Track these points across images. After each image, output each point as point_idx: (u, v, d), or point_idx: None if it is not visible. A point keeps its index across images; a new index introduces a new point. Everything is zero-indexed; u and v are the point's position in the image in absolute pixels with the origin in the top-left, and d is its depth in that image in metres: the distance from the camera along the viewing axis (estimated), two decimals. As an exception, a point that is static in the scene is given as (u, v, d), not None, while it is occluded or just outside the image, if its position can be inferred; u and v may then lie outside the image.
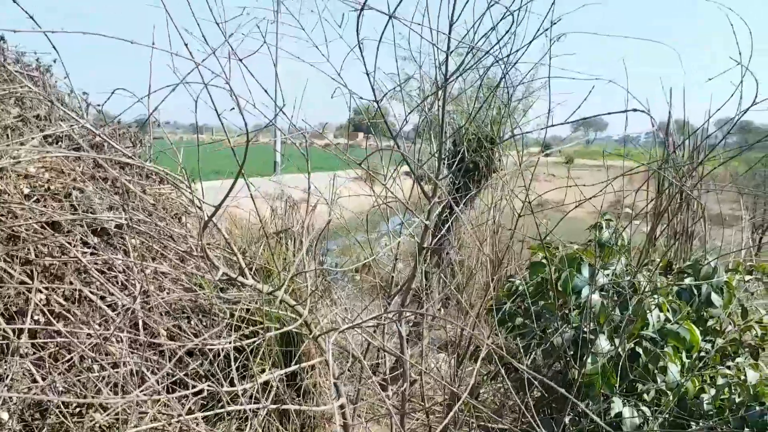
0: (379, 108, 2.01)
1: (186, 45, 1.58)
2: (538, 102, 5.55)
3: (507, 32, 1.87)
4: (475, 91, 3.65)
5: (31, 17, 1.51)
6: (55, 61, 4.78)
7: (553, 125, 2.12)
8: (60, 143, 4.36)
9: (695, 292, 3.07)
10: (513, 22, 1.89)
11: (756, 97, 1.82)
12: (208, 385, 2.23)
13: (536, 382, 2.60)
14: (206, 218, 1.81)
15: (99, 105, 4.99)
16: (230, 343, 2.23)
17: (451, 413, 2.40)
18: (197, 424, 3.57)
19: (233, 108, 1.59)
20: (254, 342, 2.26)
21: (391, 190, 2.33)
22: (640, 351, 2.76)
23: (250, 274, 4.28)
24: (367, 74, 1.89)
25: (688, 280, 3.19)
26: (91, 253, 3.92)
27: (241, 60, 1.73)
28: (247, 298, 3.03)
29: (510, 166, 5.31)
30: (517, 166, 4.51)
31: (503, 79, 2.08)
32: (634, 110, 1.96)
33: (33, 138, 4.22)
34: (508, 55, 1.92)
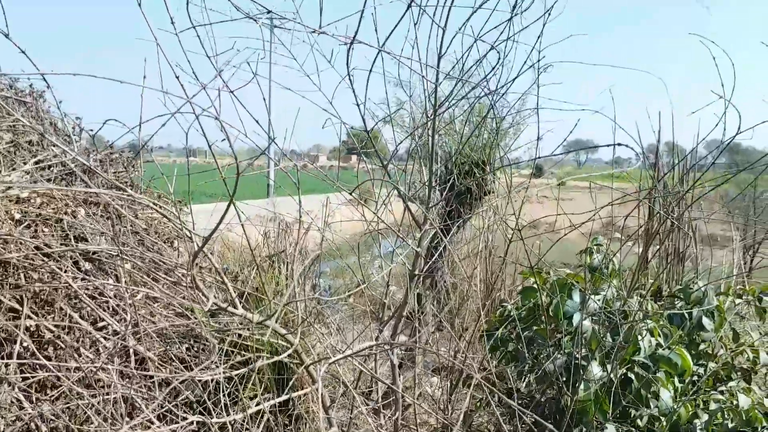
0: (369, 138, 2.03)
1: (177, 78, 1.60)
2: (529, 126, 5.61)
3: (494, 68, 1.90)
4: (466, 115, 3.69)
5: (23, 52, 1.52)
6: (48, 87, 4.80)
7: (540, 157, 2.14)
8: (52, 169, 4.36)
9: (686, 316, 3.08)
10: (499, 59, 1.92)
11: (739, 127, 1.86)
12: (199, 414, 2.20)
13: (529, 410, 2.59)
14: (197, 248, 1.81)
15: (92, 130, 5.01)
16: (221, 374, 2.21)
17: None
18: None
19: (224, 139, 1.60)
20: (245, 371, 2.24)
21: (382, 219, 2.34)
22: (633, 377, 2.75)
23: (242, 300, 4.27)
24: (358, 105, 1.92)
25: (679, 304, 3.20)
26: (82, 279, 3.90)
27: (232, 92, 1.75)
28: (239, 324, 3.01)
29: (502, 189, 5.34)
30: (509, 189, 4.54)
31: (491, 109, 2.11)
32: (619, 144, 1.99)
33: (25, 164, 4.22)
34: (495, 89, 1.95)
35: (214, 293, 4.53)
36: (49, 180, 4.42)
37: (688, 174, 5.05)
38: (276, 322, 3.18)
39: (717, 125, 1.94)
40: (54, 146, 4.29)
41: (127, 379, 3.85)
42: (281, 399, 2.32)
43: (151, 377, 3.98)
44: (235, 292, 4.48)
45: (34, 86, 4.80)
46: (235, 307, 1.81)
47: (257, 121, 1.84)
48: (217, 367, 3.21)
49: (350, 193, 2.17)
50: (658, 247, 5.37)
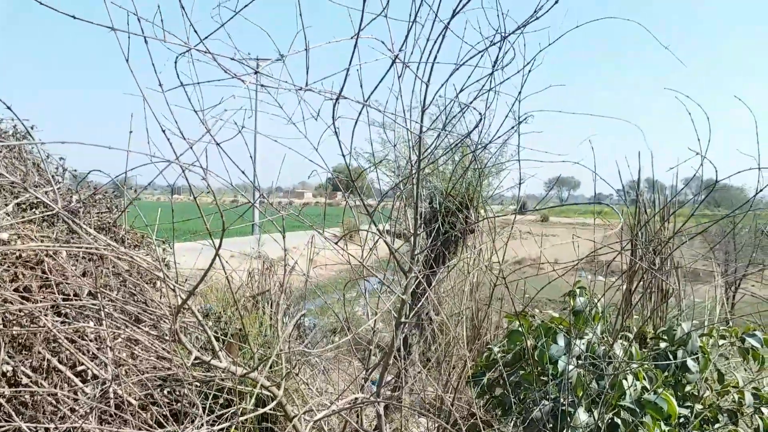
0: (354, 187, 2.05)
1: (164, 131, 1.61)
2: (512, 171, 5.69)
3: (477, 125, 1.94)
4: (451, 156, 3.74)
5: (9, 108, 1.53)
6: (33, 128, 4.80)
7: (523, 212, 2.17)
8: (35, 210, 4.32)
9: (671, 358, 3.09)
10: (481, 117, 1.97)
11: (716, 183, 1.91)
12: None
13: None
14: (180, 301, 1.79)
15: (75, 170, 4.99)
16: (203, 425, 2.16)
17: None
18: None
19: (209, 192, 1.61)
20: (228, 425, 2.19)
21: (367, 266, 2.34)
22: (619, 422, 2.74)
23: (224, 345, 4.21)
24: (343, 156, 1.94)
25: (663, 345, 3.21)
26: (62, 322, 3.83)
27: (219, 144, 1.76)
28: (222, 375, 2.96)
29: (486, 227, 5.38)
30: (494, 228, 4.58)
31: (474, 161, 2.15)
32: (599, 202, 2.03)
33: (7, 205, 4.18)
34: (477, 145, 1.99)
35: (197, 335, 4.46)
36: (31, 222, 4.37)
37: (668, 213, 5.14)
38: (260, 370, 3.14)
39: (695, 175, 1.99)
40: (36, 187, 4.26)
41: (107, 425, 3.76)
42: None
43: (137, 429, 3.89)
44: (219, 333, 4.43)
45: (18, 127, 4.79)
46: (218, 359, 1.79)
47: (243, 172, 1.85)
48: (201, 417, 3.14)
49: (336, 243, 2.18)
50: (640, 282, 5.40)
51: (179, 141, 1.71)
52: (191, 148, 1.60)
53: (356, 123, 1.87)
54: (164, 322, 3.21)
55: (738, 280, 6.74)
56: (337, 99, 1.79)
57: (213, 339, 1.87)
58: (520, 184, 2.66)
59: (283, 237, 2.34)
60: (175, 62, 1.52)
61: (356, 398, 2.26)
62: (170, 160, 1.60)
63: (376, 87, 1.84)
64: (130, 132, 1.67)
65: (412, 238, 2.14)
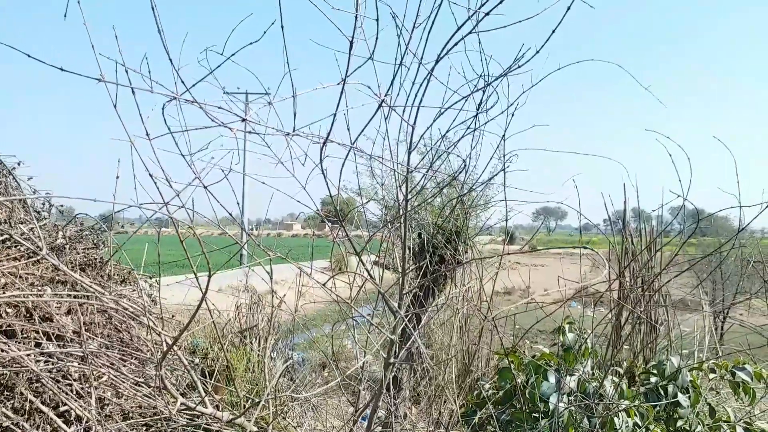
0: (342, 225, 2.05)
1: (151, 176, 1.61)
2: (499, 207, 5.75)
3: (460, 170, 1.97)
4: (438, 194, 3.76)
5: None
6: (19, 164, 4.78)
7: (511, 244, 2.18)
8: (19, 247, 4.27)
9: (662, 393, 3.08)
10: (465, 164, 2.00)
11: (698, 222, 1.94)
12: None
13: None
14: (166, 347, 1.76)
15: (62, 206, 4.96)
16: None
17: None
18: None
19: (193, 233, 1.61)
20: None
21: (354, 308, 2.33)
22: (612, 460, 2.72)
23: (212, 378, 4.15)
24: (331, 197, 1.95)
25: (653, 380, 3.20)
26: (46, 361, 3.76)
27: (206, 187, 1.77)
28: (209, 419, 2.90)
29: (475, 257, 5.38)
30: (481, 264, 4.58)
31: (460, 201, 2.17)
32: (583, 246, 2.05)
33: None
34: (462, 186, 2.01)
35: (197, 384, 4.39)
36: (15, 259, 4.32)
37: (655, 245, 5.19)
38: (245, 404, 3.08)
39: (676, 216, 2.02)
40: (22, 224, 4.23)
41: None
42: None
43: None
44: (206, 370, 4.36)
45: (4, 162, 4.77)
46: (205, 405, 1.75)
47: (230, 213, 1.85)
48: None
49: (323, 285, 2.17)
50: (629, 315, 5.41)
51: (168, 184, 1.71)
52: (178, 195, 1.60)
53: (343, 164, 1.89)
54: (150, 364, 3.16)
55: (726, 310, 6.76)
56: (324, 143, 1.80)
57: (200, 384, 1.84)
58: (507, 219, 2.69)
59: (270, 277, 2.33)
60: (162, 110, 1.53)
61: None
62: (156, 207, 1.60)
63: (362, 130, 1.86)
64: (117, 177, 1.67)
65: (400, 277, 2.14)
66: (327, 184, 1.93)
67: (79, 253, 4.62)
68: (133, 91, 1.47)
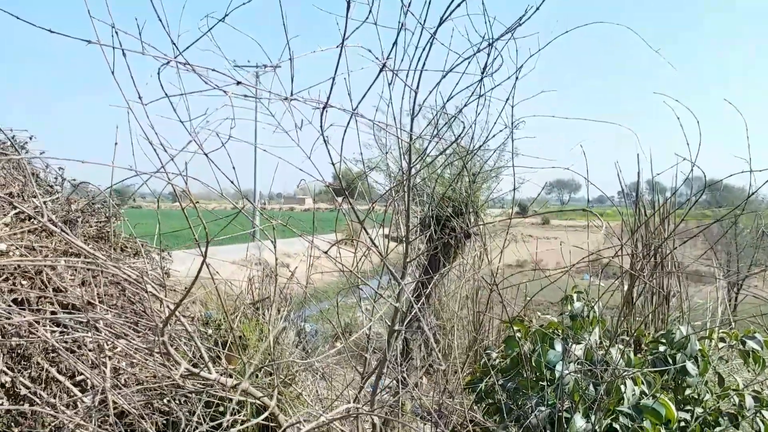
0: (346, 195, 2.04)
1: (150, 143, 1.61)
2: (508, 176, 5.69)
3: (461, 135, 1.94)
4: (445, 161, 3.73)
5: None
6: (31, 138, 4.82)
7: (521, 215, 2.16)
8: (33, 220, 4.32)
9: (670, 361, 3.07)
10: (464, 125, 1.96)
11: (705, 185, 1.90)
12: None
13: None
14: (168, 313, 1.78)
15: (74, 179, 5.00)
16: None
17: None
18: None
19: (198, 201, 1.61)
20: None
21: (359, 276, 2.34)
22: (618, 427, 2.72)
23: (225, 348, 4.20)
24: (333, 164, 1.94)
25: (662, 349, 3.19)
26: (60, 332, 3.83)
27: (207, 155, 1.76)
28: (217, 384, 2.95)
29: (486, 231, 5.36)
30: (493, 231, 4.56)
31: (464, 168, 2.15)
32: (584, 209, 2.02)
33: (5, 215, 4.19)
34: (467, 152, 1.98)
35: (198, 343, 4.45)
36: (30, 231, 4.38)
37: (669, 216, 5.12)
38: (258, 375, 3.13)
39: (685, 180, 1.98)
40: (34, 198, 4.27)
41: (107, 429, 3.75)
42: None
43: (132, 431, 3.89)
44: (219, 341, 4.42)
45: (17, 137, 4.81)
46: (209, 371, 1.78)
47: (232, 182, 1.85)
48: (200, 421, 3.13)
49: (325, 253, 2.17)
50: (642, 287, 5.38)
51: (170, 149, 1.70)
52: (173, 159, 1.60)
53: (345, 132, 1.87)
54: (158, 335, 3.20)
55: (740, 281, 6.70)
56: (324, 108, 1.79)
57: (203, 350, 1.86)
58: (515, 189, 2.66)
59: (274, 245, 2.34)
60: (159, 74, 1.52)
61: (348, 409, 2.25)
62: (156, 174, 1.60)
63: (364, 95, 1.84)
64: (116, 144, 1.67)
65: (404, 246, 2.14)
66: (329, 151, 1.92)
67: (91, 226, 4.67)
68: (123, 53, 1.46)
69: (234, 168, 1.81)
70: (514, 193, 2.55)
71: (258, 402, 2.25)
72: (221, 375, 1.84)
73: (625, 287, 4.39)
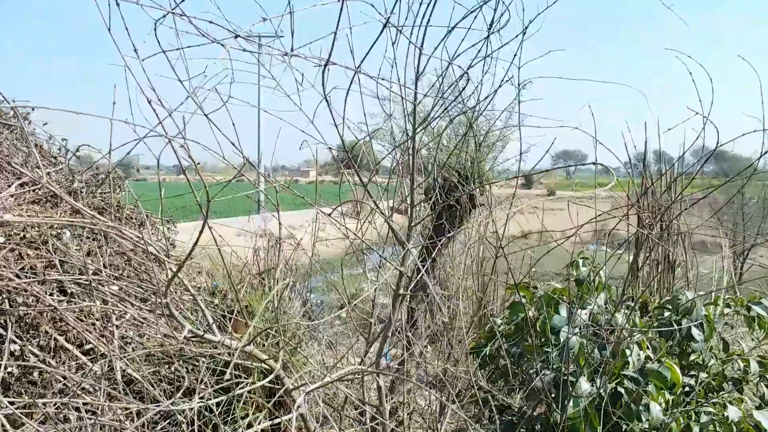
0: (350, 158, 2.02)
1: (149, 101, 1.58)
2: (514, 141, 5.64)
3: (464, 88, 1.89)
4: (449, 126, 3.69)
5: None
6: (33, 109, 4.79)
7: (526, 177, 2.13)
8: (36, 191, 4.32)
9: (675, 327, 3.07)
10: (469, 80, 1.92)
11: (718, 141, 1.86)
12: None
13: (519, 427, 2.57)
14: (170, 274, 1.78)
15: (77, 151, 4.98)
16: (211, 398, 2.17)
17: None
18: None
19: (199, 163, 1.59)
20: (232, 396, 2.20)
21: (363, 239, 2.32)
22: (622, 391, 2.73)
23: (233, 317, 4.23)
24: (335, 125, 1.91)
25: (667, 314, 3.19)
26: (68, 301, 3.86)
27: (207, 115, 1.73)
28: (221, 347, 2.97)
29: (493, 202, 5.34)
30: (499, 202, 4.53)
31: (470, 128, 2.11)
32: (594, 163, 1.99)
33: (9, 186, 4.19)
34: (475, 107, 1.95)
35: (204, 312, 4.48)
36: (34, 202, 4.38)
37: (675, 182, 5.07)
38: (263, 342, 3.14)
39: (698, 138, 1.94)
40: (38, 168, 4.26)
41: (116, 401, 3.80)
42: (265, 425, 2.29)
43: (141, 398, 3.94)
44: (226, 311, 4.45)
45: (19, 108, 4.77)
46: (213, 333, 1.78)
47: (233, 144, 1.82)
48: (206, 388, 3.16)
49: (328, 215, 2.16)
50: (648, 255, 5.37)
51: (161, 103, 1.67)
52: (170, 115, 1.57)
53: (348, 90, 1.83)
54: (161, 297, 3.21)
55: (746, 251, 6.68)
56: (325, 65, 1.75)
57: (207, 312, 1.87)
58: (521, 154, 2.63)
59: (277, 211, 2.32)
60: (155, 29, 1.48)
61: (353, 370, 2.26)
62: (152, 128, 1.57)
63: (368, 52, 1.79)
64: (114, 103, 1.64)
65: (408, 209, 2.12)
66: (331, 112, 1.88)
67: (95, 197, 4.67)
68: (117, 3, 1.42)
69: (234, 125, 1.78)
70: (521, 160, 2.52)
71: (263, 366, 2.27)
72: (225, 338, 1.84)
73: (631, 256, 4.38)
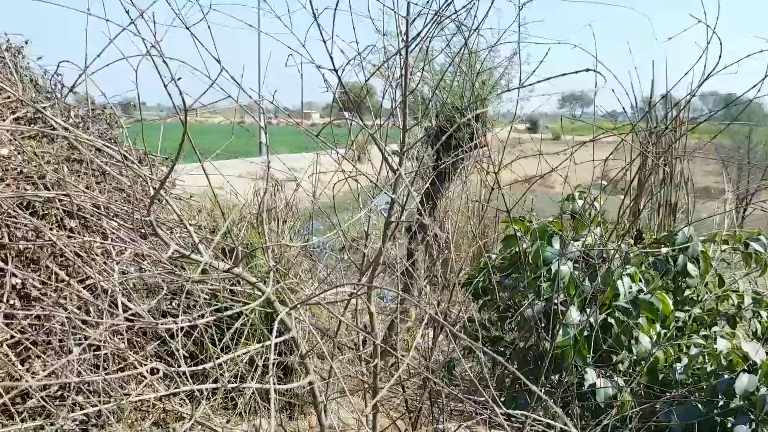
0: (340, 81, 1.96)
1: (128, 12, 1.53)
2: (518, 78, 5.50)
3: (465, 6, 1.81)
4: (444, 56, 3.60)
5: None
6: (27, 42, 4.69)
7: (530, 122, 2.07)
8: (33, 125, 4.29)
9: (671, 261, 3.07)
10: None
11: (719, 59, 1.79)
12: (191, 367, 2.19)
13: (510, 357, 2.60)
14: (153, 192, 1.76)
15: (73, 86, 4.90)
16: (207, 320, 2.20)
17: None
18: (181, 405, 3.57)
19: (180, 78, 1.54)
20: (235, 325, 2.23)
21: (363, 172, 2.30)
22: (613, 321, 2.75)
23: (231, 255, 4.26)
24: (324, 41, 1.85)
25: (664, 250, 3.18)
26: (68, 236, 3.87)
27: (188, 28, 1.68)
28: (211, 269, 2.98)
29: (496, 142, 5.27)
30: (503, 143, 4.45)
31: (465, 46, 2.04)
32: (587, 70, 1.92)
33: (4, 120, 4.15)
34: (473, 28, 1.87)
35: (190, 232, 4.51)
36: (30, 137, 4.35)
37: (680, 124, 4.99)
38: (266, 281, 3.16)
39: (701, 57, 1.87)
40: (34, 103, 4.21)
41: (119, 336, 3.88)
42: (257, 347, 2.33)
43: (145, 333, 4.03)
44: (226, 249, 4.48)
45: (12, 42, 4.68)
46: (199, 253, 1.78)
47: (224, 68, 1.76)
48: (202, 317, 3.21)
49: (316, 135, 2.12)
50: (649, 199, 5.33)
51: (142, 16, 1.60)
52: (142, 15, 1.51)
53: (337, 5, 1.76)
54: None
55: (749, 195, 6.63)
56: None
57: (193, 234, 1.86)
58: (521, 86, 2.55)
59: (267, 148, 2.27)
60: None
61: (340, 290, 2.28)
62: (126, 26, 1.51)
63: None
64: (85, 30, 1.58)
65: (401, 132, 2.08)
66: (319, 28, 1.82)
67: (92, 133, 4.63)
68: None
69: (213, 37, 1.71)
70: (520, 89, 2.45)
71: (257, 293, 2.29)
72: (212, 259, 1.84)
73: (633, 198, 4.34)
